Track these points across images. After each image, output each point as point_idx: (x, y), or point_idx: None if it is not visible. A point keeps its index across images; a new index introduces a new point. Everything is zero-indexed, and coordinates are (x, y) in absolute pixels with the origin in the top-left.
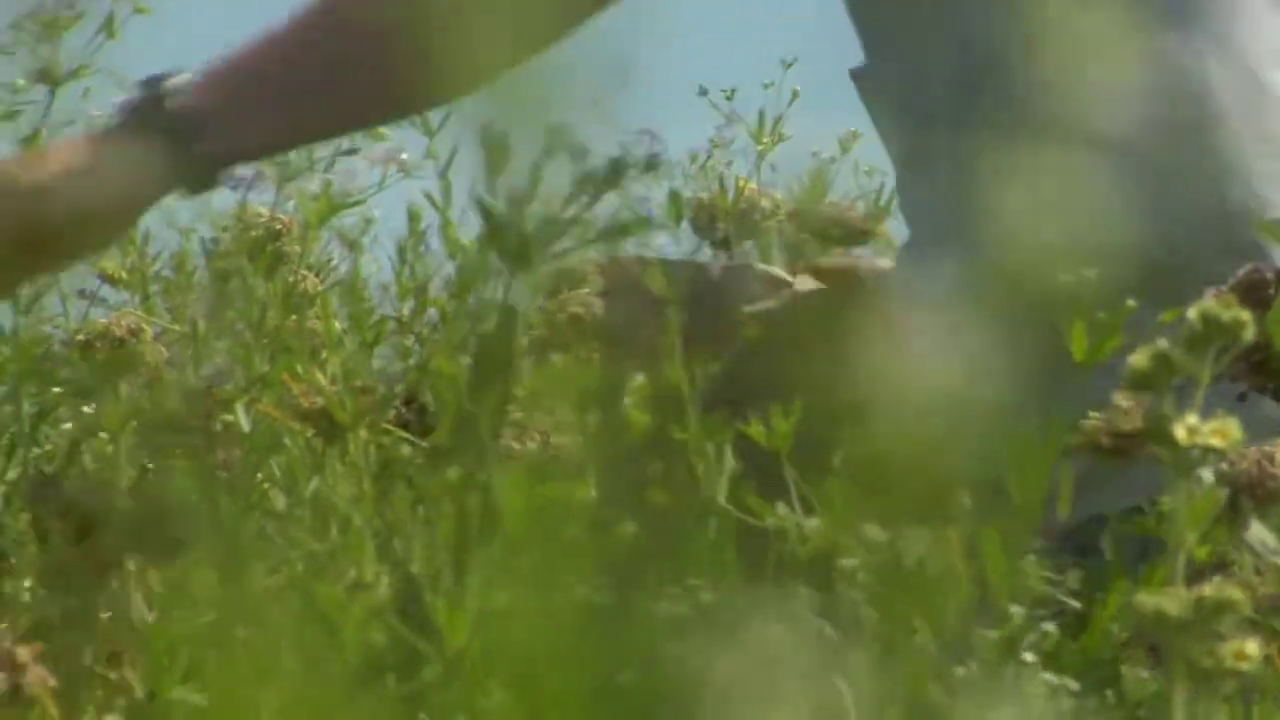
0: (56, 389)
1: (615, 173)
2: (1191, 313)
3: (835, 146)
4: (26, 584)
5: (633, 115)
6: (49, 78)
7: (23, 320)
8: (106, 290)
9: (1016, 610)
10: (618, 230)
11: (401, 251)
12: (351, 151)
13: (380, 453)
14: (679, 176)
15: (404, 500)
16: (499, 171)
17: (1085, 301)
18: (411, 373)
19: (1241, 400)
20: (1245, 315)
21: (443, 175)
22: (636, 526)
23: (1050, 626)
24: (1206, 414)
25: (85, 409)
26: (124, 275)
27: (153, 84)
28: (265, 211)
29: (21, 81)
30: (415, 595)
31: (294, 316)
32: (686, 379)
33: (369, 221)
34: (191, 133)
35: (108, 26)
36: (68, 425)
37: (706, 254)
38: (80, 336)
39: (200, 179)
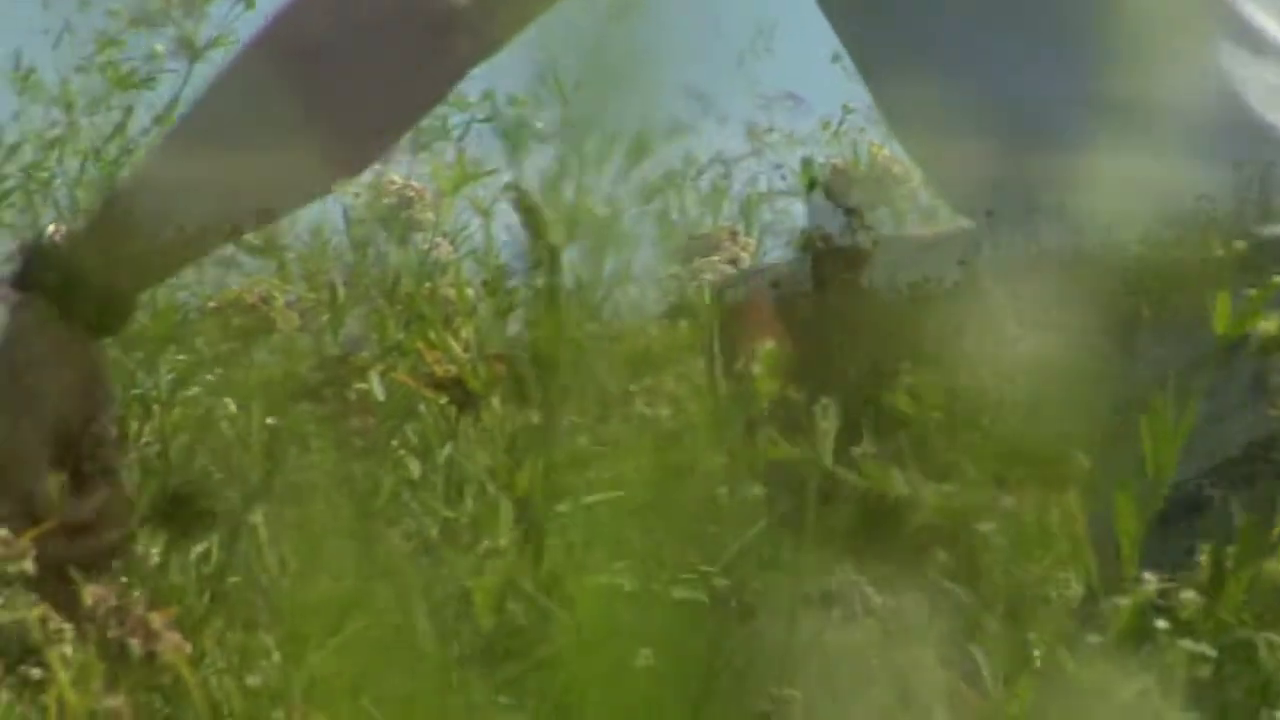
0: (185, 357)
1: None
2: None
3: None
4: (156, 550)
5: (774, 80)
6: (189, 48)
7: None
8: (244, 257)
9: (1149, 577)
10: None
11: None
12: (487, 119)
13: (513, 420)
14: (814, 143)
15: (536, 468)
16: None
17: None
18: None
19: None
20: None
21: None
22: (764, 493)
23: (1190, 593)
24: None
25: (209, 376)
26: (260, 242)
27: (30, 243)
28: (399, 179)
29: (160, 49)
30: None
31: (428, 284)
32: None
33: (504, 189)
34: (88, 266)
35: None
36: (194, 391)
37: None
38: (213, 304)
39: (116, 312)
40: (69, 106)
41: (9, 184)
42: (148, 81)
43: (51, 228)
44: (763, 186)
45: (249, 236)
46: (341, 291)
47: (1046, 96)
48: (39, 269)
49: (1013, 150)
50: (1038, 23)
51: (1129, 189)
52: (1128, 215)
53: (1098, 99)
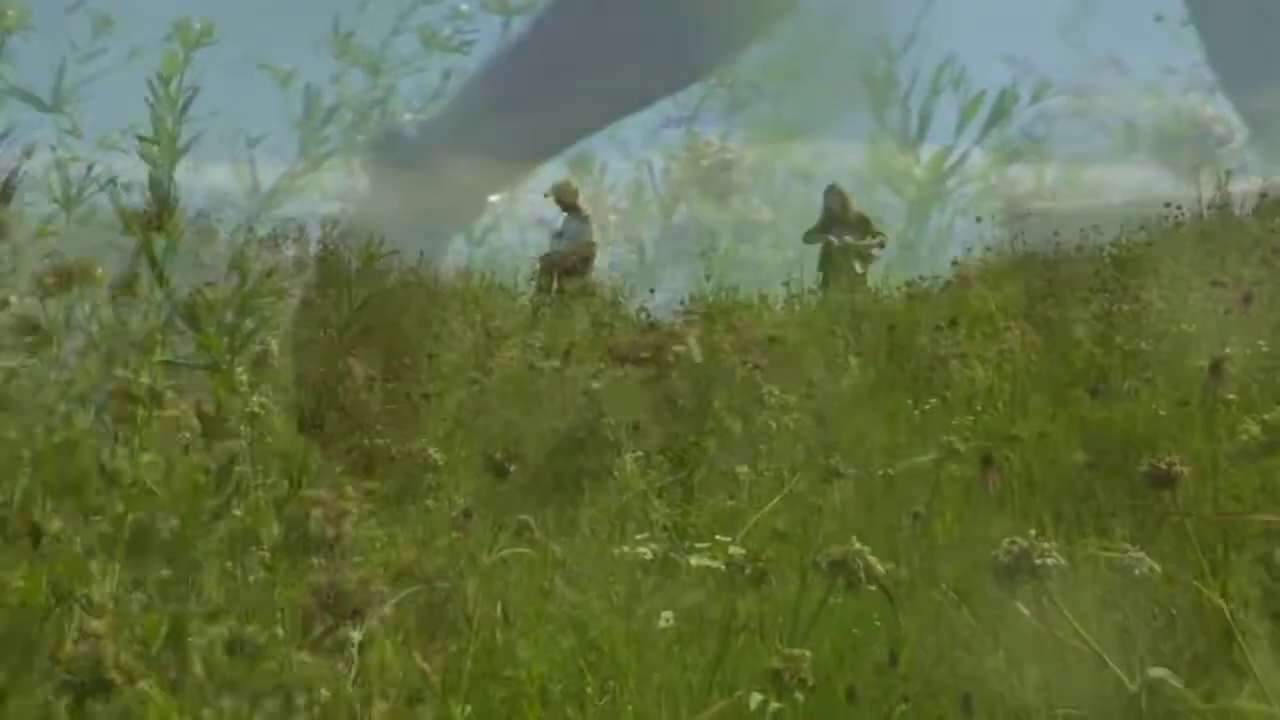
0: (500, 323)
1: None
2: None
3: None
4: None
5: (1097, 42)
6: (503, 7)
7: (477, 251)
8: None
9: None
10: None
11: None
12: (787, 75)
13: (834, 380)
14: (1135, 105)
15: (852, 428)
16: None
17: None
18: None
19: None
20: None
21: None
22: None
23: None
24: None
25: (529, 340)
26: (581, 205)
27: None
28: (716, 142)
29: (464, 8)
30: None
31: (745, 245)
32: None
33: (823, 155)
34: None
35: None
36: (511, 353)
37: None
38: (536, 263)
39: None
40: (376, 70)
41: (329, 147)
42: (463, 45)
43: (409, 117)
44: (1085, 148)
45: (569, 198)
46: (659, 252)
47: None
48: (393, 152)
49: None
50: None
51: None
52: None
53: None
